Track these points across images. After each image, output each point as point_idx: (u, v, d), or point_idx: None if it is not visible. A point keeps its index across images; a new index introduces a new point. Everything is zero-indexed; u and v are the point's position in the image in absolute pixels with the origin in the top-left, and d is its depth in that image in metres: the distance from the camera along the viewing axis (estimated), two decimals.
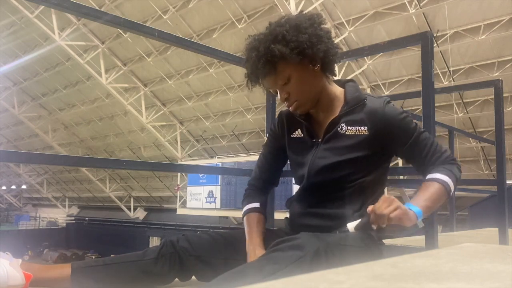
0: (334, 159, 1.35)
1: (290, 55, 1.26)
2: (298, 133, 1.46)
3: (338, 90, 1.41)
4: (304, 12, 1.39)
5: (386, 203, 1.14)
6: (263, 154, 1.58)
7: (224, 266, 1.28)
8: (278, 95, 1.38)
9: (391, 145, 1.36)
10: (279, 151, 1.52)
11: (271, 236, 1.36)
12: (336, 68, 1.46)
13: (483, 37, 9.41)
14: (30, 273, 1.28)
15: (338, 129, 1.36)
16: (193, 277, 1.41)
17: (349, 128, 1.35)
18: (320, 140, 1.39)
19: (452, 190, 1.29)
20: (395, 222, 1.12)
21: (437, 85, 2.73)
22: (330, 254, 1.12)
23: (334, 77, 1.43)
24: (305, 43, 1.26)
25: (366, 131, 1.33)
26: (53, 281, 1.34)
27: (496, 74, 9.69)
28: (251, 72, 1.36)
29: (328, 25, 1.48)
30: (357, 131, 1.34)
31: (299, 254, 1.06)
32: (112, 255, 1.55)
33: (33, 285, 1.29)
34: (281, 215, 1.72)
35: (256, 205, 1.50)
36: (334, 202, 1.35)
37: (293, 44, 1.26)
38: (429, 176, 1.30)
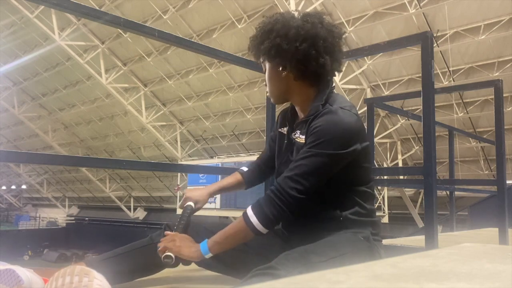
0: (288, 166, 1.37)
1: (266, 54, 1.36)
2: (284, 130, 1.50)
3: (312, 95, 1.38)
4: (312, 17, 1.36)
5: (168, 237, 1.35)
6: (267, 142, 1.68)
7: (224, 254, 1.34)
8: None
9: None
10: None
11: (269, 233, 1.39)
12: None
13: (483, 37, 9.40)
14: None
15: (294, 134, 1.40)
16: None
17: (300, 136, 1.36)
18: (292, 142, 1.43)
19: (257, 225, 1.23)
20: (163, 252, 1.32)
21: (437, 85, 2.73)
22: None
23: (318, 83, 1.39)
24: (276, 48, 1.32)
25: (303, 139, 1.33)
26: None
27: (496, 74, 9.68)
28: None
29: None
30: (302, 140, 1.34)
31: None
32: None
33: None
34: None
35: (244, 168, 1.68)
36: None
37: (269, 46, 1.33)
38: (248, 208, 1.28)
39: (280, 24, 1.33)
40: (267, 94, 1.49)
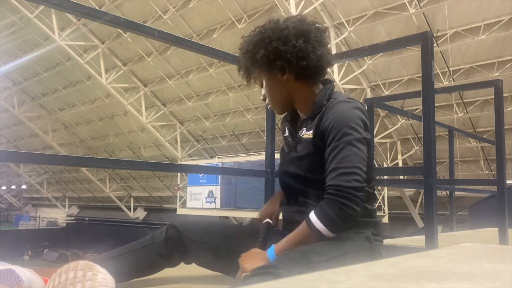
0: (293, 164, 1.39)
1: (264, 62, 1.34)
2: (286, 133, 1.52)
3: (314, 94, 1.40)
4: (297, 17, 1.39)
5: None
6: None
7: (225, 254, 1.37)
8: None
9: (325, 145, 1.30)
10: None
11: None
12: (331, 69, 1.47)
13: (483, 37, 9.40)
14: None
15: (300, 133, 1.40)
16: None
17: (307, 132, 1.37)
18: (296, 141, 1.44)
19: (323, 231, 1.21)
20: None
21: (437, 85, 2.74)
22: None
23: (318, 79, 1.42)
24: (274, 52, 1.32)
25: (311, 134, 1.34)
26: None
27: (496, 74, 9.68)
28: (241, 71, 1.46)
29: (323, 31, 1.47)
30: (308, 135, 1.35)
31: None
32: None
33: None
34: None
35: None
36: (306, 199, 1.37)
37: (266, 52, 1.33)
38: (311, 213, 1.25)
39: (269, 30, 1.34)
40: (269, 107, 1.49)
